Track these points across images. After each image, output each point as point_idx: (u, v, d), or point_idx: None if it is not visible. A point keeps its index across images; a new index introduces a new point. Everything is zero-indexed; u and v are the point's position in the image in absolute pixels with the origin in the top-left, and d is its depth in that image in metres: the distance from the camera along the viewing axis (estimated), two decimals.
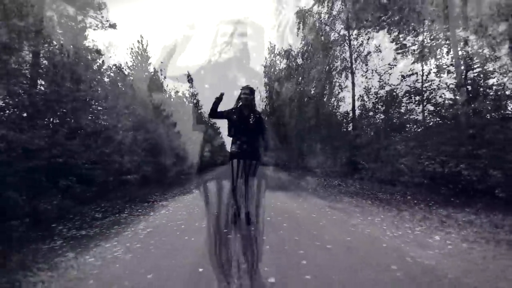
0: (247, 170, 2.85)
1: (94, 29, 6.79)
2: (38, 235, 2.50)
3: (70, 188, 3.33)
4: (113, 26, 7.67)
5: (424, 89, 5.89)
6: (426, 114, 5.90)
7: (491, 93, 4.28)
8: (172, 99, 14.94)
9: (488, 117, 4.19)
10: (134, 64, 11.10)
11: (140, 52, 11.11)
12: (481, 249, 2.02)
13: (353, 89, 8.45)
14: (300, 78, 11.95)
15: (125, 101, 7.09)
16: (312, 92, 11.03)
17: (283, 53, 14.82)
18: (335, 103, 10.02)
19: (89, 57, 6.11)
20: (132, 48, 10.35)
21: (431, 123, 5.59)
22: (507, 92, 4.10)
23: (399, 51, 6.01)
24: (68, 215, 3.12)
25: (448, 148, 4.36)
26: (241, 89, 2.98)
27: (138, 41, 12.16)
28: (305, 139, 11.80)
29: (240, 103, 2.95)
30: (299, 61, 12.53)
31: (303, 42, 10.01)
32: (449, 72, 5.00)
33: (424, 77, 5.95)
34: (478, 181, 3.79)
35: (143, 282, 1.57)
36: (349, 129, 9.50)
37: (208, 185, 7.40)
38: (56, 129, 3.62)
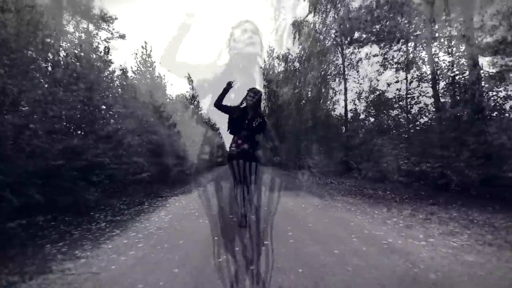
0: (248, 172, 2.85)
1: (107, 41, 7.42)
2: (84, 220, 3.16)
3: (101, 183, 3.99)
4: (122, 36, 8.32)
5: (408, 96, 6.57)
6: (407, 118, 6.58)
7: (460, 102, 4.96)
8: (173, 101, 15.60)
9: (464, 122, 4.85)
10: (138, 69, 11.74)
11: (144, 58, 11.76)
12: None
13: (345, 94, 9.13)
14: (298, 82, 12.61)
15: (131, 105, 7.72)
16: (309, 95, 11.71)
17: (281, 57, 15.50)
18: (331, 106, 10.69)
19: (100, 64, 6.75)
20: (136, 53, 11.01)
21: (410, 127, 6.27)
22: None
23: (384, 63, 6.67)
24: (100, 206, 3.78)
25: (420, 150, 5.04)
26: (248, 91, 2.98)
27: (142, 46, 12.83)
28: (302, 140, 12.46)
29: (245, 104, 2.95)
30: (297, 64, 13.19)
31: (300, 47, 10.67)
32: (426, 80, 5.68)
33: (407, 85, 6.63)
34: (442, 179, 4.46)
35: (177, 245, 2.24)
36: (343, 131, 10.18)
37: (212, 182, 8.07)
38: (86, 134, 4.27)
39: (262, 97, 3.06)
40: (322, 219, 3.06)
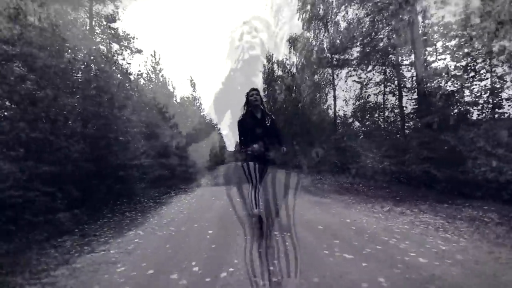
0: (262, 174, 2.90)
1: (130, 58, 8.56)
2: (136, 200, 4.35)
3: (141, 178, 5.14)
4: (139, 51, 9.45)
5: (384, 105, 7.80)
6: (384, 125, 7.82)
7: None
8: (177, 103, 16.88)
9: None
10: (148, 76, 12.92)
11: (153, 66, 12.94)
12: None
13: (334, 101, 10.35)
14: (294, 87, 13.83)
15: (143, 112, 8.82)
16: (304, 100, 12.93)
17: (279, 62, 16.71)
18: (324, 111, 11.92)
19: (122, 78, 7.83)
20: (146, 61, 12.26)
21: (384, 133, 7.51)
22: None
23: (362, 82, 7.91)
24: (140, 194, 4.96)
25: (392, 153, 6.27)
26: (247, 92, 3.00)
27: (151, 55, 14.10)
28: (299, 141, 13.68)
29: (249, 107, 2.95)
30: (293, 70, 14.40)
31: (296, 58, 11.89)
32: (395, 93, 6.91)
33: (384, 97, 7.85)
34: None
35: (203, 216, 3.45)
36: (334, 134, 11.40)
37: (216, 180, 9.28)
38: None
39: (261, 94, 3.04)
40: (313, 207, 4.27)
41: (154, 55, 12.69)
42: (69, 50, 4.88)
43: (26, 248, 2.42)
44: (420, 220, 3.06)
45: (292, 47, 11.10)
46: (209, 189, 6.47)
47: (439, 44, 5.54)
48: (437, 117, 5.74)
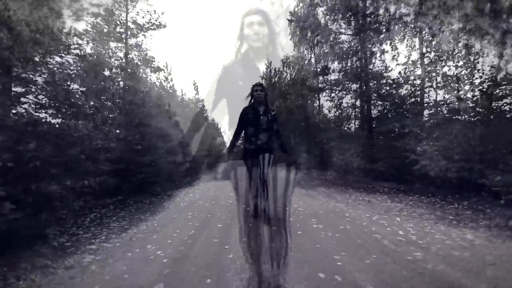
0: (263, 165, 2.83)
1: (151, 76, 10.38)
2: (157, 192, 6.17)
3: (163, 173, 6.93)
4: (159, 70, 11.26)
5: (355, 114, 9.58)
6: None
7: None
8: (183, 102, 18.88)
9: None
10: (161, 85, 14.73)
11: (166, 76, 14.75)
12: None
13: (319, 109, 12.12)
14: (288, 94, 15.59)
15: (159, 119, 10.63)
16: (297, 105, 14.73)
17: (277, 70, 18.45)
18: (312, 117, 13.68)
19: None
20: (158, 72, 14.09)
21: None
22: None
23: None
24: (161, 187, 6.77)
25: (364, 154, 8.04)
26: (252, 86, 2.98)
27: (164, 66, 15.93)
28: (293, 142, 15.50)
29: (253, 101, 2.95)
30: (289, 77, 16.17)
31: (289, 71, 13.66)
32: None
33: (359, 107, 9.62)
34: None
35: (210, 196, 5.25)
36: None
37: (217, 175, 11.17)
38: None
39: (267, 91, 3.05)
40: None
41: (166, 66, 14.49)
42: (112, 75, 6.68)
43: (101, 220, 3.66)
44: (381, 206, 4.15)
45: (285, 65, 12.90)
46: (212, 183, 8.31)
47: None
48: (392, 126, 7.51)
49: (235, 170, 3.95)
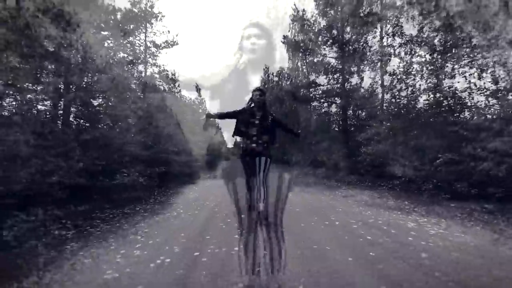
0: (259, 168, 2.92)
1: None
2: (168, 186, 7.71)
3: (175, 171, 8.46)
4: (174, 81, 12.72)
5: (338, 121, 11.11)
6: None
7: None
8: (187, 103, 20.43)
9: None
10: (169, 90, 16.17)
11: (173, 84, 16.19)
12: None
13: (311, 115, 13.64)
14: (282, 100, 17.10)
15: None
16: (292, 110, 16.25)
17: (274, 77, 19.93)
18: (305, 121, 15.18)
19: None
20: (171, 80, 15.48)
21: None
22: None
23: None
24: (173, 181, 8.31)
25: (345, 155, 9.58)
26: (253, 91, 3.04)
27: (171, 73, 17.34)
28: (287, 143, 17.07)
29: (252, 105, 3.03)
30: (284, 85, 17.66)
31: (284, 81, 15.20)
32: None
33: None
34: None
35: (210, 191, 6.79)
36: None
37: (216, 173, 12.75)
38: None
39: (267, 95, 3.10)
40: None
41: (174, 74, 15.94)
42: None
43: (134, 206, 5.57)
44: (357, 198, 5.66)
45: (281, 75, 14.38)
46: (212, 181, 9.86)
47: None
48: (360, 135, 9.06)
49: (234, 182, 4.16)
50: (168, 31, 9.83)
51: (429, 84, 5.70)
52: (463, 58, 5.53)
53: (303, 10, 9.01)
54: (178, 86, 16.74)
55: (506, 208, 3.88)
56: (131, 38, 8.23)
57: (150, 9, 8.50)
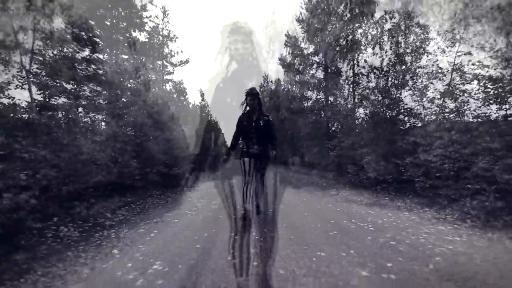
0: (258, 169, 3.08)
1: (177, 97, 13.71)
2: (181, 181, 9.58)
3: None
4: (184, 92, 14.59)
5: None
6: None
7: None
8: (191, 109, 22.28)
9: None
10: (177, 98, 18.05)
11: (181, 92, 18.07)
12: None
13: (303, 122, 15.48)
14: (280, 108, 18.95)
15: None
16: (286, 117, 18.12)
17: (272, 85, 21.82)
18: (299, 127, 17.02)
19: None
20: (182, 91, 17.37)
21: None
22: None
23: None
24: (188, 178, 10.17)
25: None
26: (245, 94, 3.12)
27: (178, 81, 19.27)
28: (283, 145, 18.91)
29: (248, 108, 3.13)
30: (280, 95, 19.52)
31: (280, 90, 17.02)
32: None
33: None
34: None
35: (215, 187, 8.65)
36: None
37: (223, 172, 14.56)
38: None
39: (260, 96, 3.16)
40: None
41: (182, 82, 17.85)
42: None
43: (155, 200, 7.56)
44: (342, 197, 6.49)
45: (277, 85, 16.27)
46: (215, 180, 11.69)
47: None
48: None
49: (230, 184, 4.13)
50: (181, 51, 11.71)
51: (385, 103, 7.56)
52: (408, 85, 7.41)
53: (295, 37, 10.86)
54: (187, 95, 18.70)
55: (437, 201, 4.87)
56: (151, 64, 10.13)
57: (168, 37, 10.36)
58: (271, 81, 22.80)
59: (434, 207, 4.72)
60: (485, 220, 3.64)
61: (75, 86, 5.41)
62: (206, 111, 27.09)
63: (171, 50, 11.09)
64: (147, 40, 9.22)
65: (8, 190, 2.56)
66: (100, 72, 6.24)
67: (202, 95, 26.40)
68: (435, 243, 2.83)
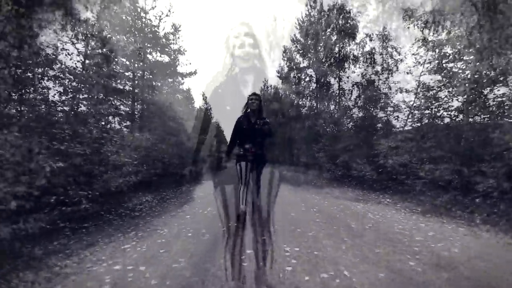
0: (254, 171, 3.14)
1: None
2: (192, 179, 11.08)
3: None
4: (192, 101, 16.13)
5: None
6: None
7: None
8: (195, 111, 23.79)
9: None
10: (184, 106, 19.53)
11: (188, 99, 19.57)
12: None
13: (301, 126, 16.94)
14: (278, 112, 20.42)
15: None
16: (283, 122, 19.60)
17: (272, 90, 23.32)
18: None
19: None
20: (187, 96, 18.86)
21: None
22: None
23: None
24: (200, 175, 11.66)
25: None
26: (248, 96, 3.19)
27: (185, 90, 20.77)
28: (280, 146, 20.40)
29: (248, 110, 3.19)
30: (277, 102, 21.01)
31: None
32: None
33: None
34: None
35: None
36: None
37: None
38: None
39: (262, 101, 3.24)
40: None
41: (190, 90, 19.36)
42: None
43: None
44: (332, 194, 7.32)
45: (276, 91, 17.83)
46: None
47: None
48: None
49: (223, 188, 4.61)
50: (190, 63, 13.19)
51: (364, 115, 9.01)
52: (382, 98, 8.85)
53: (291, 51, 12.35)
54: (194, 101, 20.21)
55: (403, 197, 5.96)
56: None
57: (179, 52, 11.80)
58: (271, 86, 24.36)
59: (395, 198, 6.13)
60: (430, 207, 4.98)
61: (119, 103, 6.91)
62: (208, 114, 28.68)
63: (181, 63, 12.56)
64: (161, 58, 10.69)
65: None
66: (136, 91, 7.79)
67: (205, 98, 28.00)
68: (382, 215, 4.26)
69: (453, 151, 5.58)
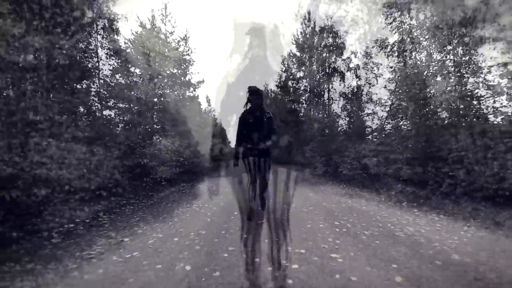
0: (261, 167, 3.13)
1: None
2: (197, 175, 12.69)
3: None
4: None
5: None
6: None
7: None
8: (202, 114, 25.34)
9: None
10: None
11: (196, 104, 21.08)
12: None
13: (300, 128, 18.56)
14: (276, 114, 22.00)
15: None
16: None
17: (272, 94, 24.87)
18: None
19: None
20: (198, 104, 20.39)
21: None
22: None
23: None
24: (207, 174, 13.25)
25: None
26: (247, 91, 3.18)
27: (191, 91, 22.18)
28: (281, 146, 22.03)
29: (250, 106, 3.20)
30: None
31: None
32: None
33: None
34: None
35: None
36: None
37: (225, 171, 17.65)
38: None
39: (263, 95, 3.22)
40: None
41: (198, 97, 20.85)
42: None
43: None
44: (334, 191, 8.17)
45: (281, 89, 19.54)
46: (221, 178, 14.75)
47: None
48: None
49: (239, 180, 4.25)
50: (198, 72, 14.68)
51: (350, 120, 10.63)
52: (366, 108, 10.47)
53: (288, 65, 13.95)
54: (201, 105, 21.72)
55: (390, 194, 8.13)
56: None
57: (189, 62, 13.27)
58: (271, 90, 25.87)
59: (377, 194, 7.76)
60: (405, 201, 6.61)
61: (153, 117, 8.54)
62: (212, 115, 30.19)
63: (190, 73, 14.03)
64: (175, 71, 12.21)
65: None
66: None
67: (209, 100, 29.49)
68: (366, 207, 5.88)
69: (414, 154, 7.22)
